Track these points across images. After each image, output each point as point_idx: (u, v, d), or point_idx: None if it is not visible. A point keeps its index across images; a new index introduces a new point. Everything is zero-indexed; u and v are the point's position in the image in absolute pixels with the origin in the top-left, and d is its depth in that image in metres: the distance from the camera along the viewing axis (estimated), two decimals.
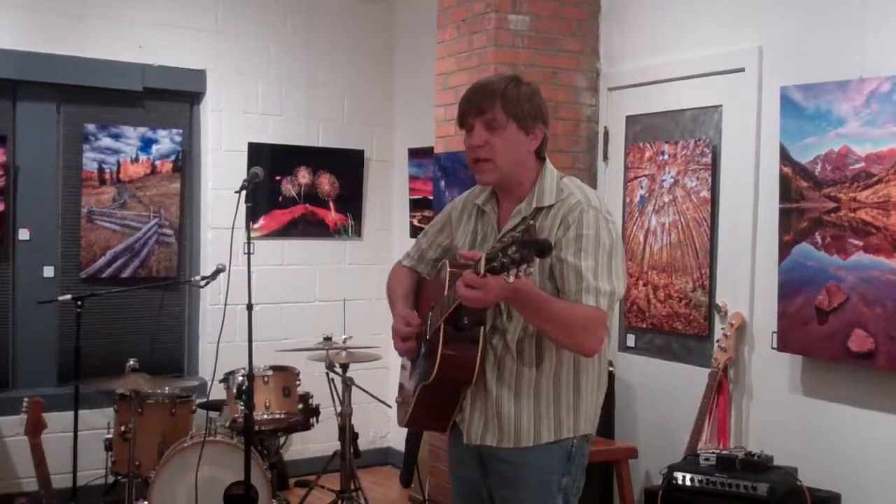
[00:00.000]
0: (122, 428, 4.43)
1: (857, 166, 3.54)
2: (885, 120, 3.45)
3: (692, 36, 4.35)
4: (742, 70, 4.08)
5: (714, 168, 4.22)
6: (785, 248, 3.80)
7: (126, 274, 5.47)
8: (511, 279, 2.17)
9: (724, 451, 3.72)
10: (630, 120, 4.69)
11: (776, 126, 3.84)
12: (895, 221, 3.43)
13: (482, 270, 2.23)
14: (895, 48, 3.50)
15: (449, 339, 2.51)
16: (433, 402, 2.66)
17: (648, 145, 4.53)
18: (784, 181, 3.80)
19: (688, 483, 3.62)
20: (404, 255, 2.95)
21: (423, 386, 2.59)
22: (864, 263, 3.52)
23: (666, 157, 4.43)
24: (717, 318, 4.21)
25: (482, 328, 2.53)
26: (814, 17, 3.80)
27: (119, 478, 4.53)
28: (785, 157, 3.78)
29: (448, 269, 2.56)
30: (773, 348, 3.91)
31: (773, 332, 3.88)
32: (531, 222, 2.31)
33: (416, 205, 5.99)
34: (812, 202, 3.70)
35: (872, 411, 3.60)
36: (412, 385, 2.74)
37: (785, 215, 3.81)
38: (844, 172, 3.58)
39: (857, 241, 3.55)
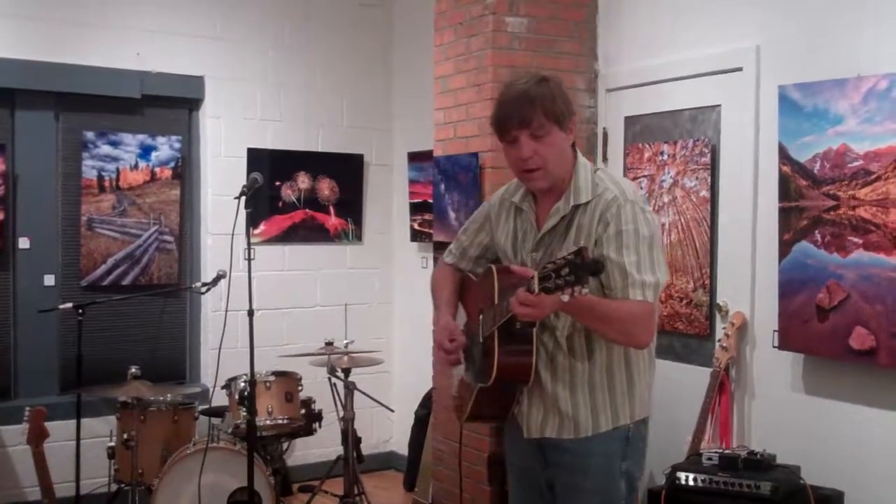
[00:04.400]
0: (125, 436, 4.42)
1: (856, 164, 3.54)
2: (883, 117, 3.45)
3: (690, 36, 4.35)
4: (740, 69, 4.08)
5: (713, 168, 4.22)
6: (785, 247, 3.80)
7: (127, 281, 5.48)
8: (566, 298, 2.22)
9: (727, 451, 3.72)
10: (629, 121, 4.69)
11: (775, 125, 3.84)
12: (894, 219, 3.43)
13: (536, 289, 2.27)
14: (892, 46, 3.50)
15: (503, 342, 2.57)
16: (491, 400, 2.75)
17: (647, 146, 4.53)
18: (783, 180, 3.80)
19: (691, 483, 3.62)
20: (446, 252, 3.02)
21: (482, 388, 2.67)
22: (864, 261, 3.52)
23: (665, 157, 4.43)
24: (718, 317, 4.21)
25: (534, 328, 2.59)
26: (811, 16, 3.80)
27: (122, 486, 4.53)
28: (784, 155, 3.78)
29: (496, 276, 2.63)
30: (774, 347, 3.90)
31: (774, 331, 3.88)
32: (583, 245, 2.39)
33: (416, 208, 5.99)
34: (811, 200, 3.70)
35: (874, 408, 3.60)
36: (469, 384, 2.81)
37: (784, 214, 3.81)
38: (843, 170, 3.58)
39: (856, 239, 3.55)
